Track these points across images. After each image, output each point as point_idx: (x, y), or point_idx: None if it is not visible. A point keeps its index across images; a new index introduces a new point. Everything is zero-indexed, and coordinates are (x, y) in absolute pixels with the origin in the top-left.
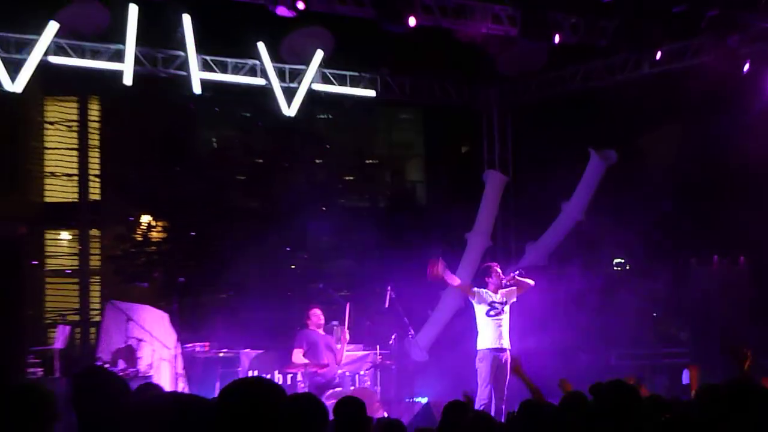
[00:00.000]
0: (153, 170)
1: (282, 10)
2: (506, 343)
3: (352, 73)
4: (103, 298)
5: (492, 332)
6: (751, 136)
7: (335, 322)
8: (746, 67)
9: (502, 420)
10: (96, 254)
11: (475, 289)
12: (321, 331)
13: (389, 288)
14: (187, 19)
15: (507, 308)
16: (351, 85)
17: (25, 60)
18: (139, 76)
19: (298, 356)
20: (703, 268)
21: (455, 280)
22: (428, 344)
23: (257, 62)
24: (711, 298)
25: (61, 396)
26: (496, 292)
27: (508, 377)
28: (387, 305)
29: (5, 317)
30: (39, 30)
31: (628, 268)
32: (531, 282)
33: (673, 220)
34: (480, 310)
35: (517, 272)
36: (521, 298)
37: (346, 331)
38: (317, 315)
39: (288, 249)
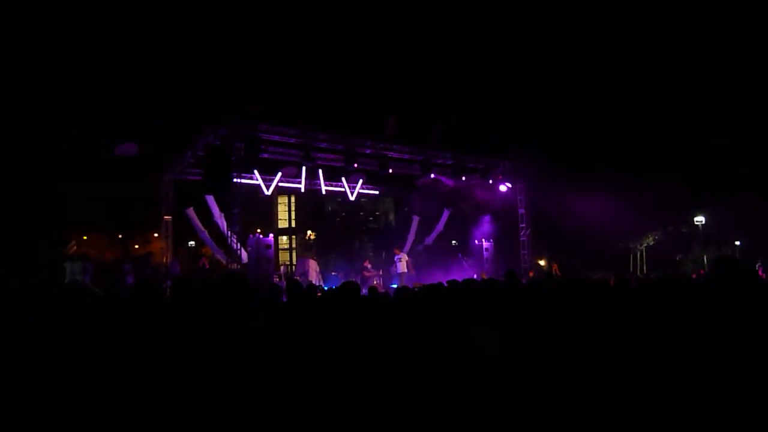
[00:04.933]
0: (309, 219)
1: (351, 168)
2: (406, 270)
3: (371, 185)
4: (297, 257)
5: (403, 266)
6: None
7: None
8: (503, 188)
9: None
10: (293, 243)
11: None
12: (368, 268)
13: (395, 251)
14: (320, 173)
15: (406, 260)
16: (370, 189)
17: (270, 184)
18: (306, 189)
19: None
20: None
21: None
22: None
23: (343, 183)
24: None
25: (281, 288)
26: (401, 254)
27: (404, 280)
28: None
29: (268, 265)
30: (275, 173)
31: (456, 244)
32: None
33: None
34: (398, 260)
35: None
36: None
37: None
38: (368, 264)
39: (356, 240)
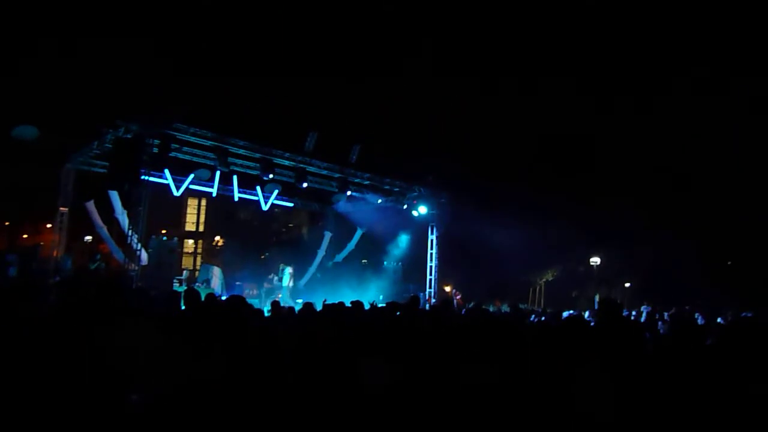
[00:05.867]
0: (218, 225)
1: (267, 177)
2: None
3: (286, 198)
4: (202, 262)
5: (288, 280)
6: None
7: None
8: (416, 213)
9: None
10: (199, 248)
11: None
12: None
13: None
14: (235, 179)
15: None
16: (285, 200)
17: (181, 185)
18: (218, 194)
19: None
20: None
21: None
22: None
23: (256, 192)
24: None
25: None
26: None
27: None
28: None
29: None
30: (187, 175)
31: (366, 263)
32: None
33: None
34: (285, 274)
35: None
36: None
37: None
38: (273, 277)
39: (265, 251)
